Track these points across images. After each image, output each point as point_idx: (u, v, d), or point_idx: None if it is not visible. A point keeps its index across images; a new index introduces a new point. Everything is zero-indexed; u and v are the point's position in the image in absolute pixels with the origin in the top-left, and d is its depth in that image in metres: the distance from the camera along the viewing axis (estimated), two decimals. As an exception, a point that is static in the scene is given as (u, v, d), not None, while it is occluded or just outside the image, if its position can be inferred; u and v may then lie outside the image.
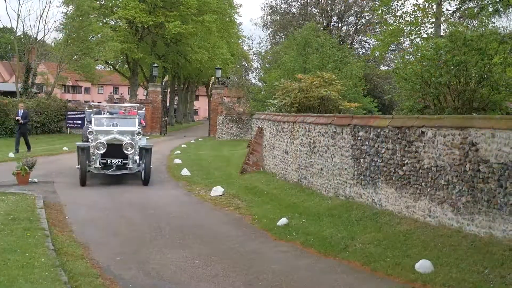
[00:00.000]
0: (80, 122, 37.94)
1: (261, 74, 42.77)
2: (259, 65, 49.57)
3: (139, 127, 16.44)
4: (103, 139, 15.26)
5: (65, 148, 25.23)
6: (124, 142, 15.24)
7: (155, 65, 43.11)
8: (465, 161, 7.83)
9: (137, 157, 15.60)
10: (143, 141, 16.10)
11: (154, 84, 41.94)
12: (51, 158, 21.62)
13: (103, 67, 54.63)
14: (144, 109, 18.20)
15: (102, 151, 15.04)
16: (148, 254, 8.15)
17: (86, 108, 18.77)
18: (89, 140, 15.50)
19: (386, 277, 6.87)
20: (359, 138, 10.67)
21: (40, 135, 34.32)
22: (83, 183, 14.95)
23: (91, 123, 16.43)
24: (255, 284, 6.80)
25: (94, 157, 15.19)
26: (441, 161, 8.36)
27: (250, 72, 51.29)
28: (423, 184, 8.75)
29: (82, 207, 11.87)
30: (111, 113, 17.25)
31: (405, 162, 9.19)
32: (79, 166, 15.22)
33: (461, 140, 7.94)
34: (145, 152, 15.45)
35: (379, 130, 10.00)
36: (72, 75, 59.85)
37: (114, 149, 15.18)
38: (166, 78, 46.63)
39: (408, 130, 9.17)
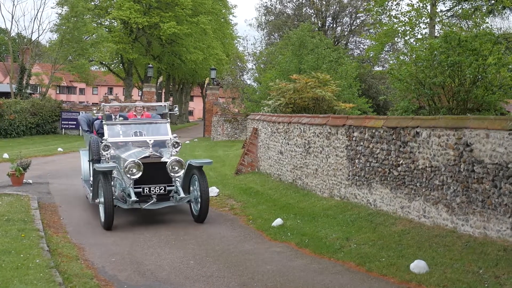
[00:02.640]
0: (74, 123, 37.93)
1: (256, 74, 42.74)
2: (254, 65, 49.61)
3: (174, 135, 11.41)
4: (135, 156, 10.29)
5: (59, 149, 25.17)
6: (169, 160, 10.29)
7: (150, 65, 43.07)
8: (460, 162, 7.85)
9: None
10: None
11: (149, 85, 41.88)
12: (45, 159, 21.56)
13: (97, 67, 54.55)
14: (176, 108, 12.80)
15: (137, 175, 9.99)
16: (143, 255, 8.14)
17: (94, 111, 12.12)
18: (105, 159, 10.96)
19: (381, 278, 6.88)
20: (354, 138, 10.68)
21: (34, 136, 34.25)
22: (108, 225, 9.84)
23: (101, 132, 11.89)
24: (250, 285, 6.80)
25: (121, 185, 10.40)
26: (435, 162, 8.37)
27: (245, 73, 51.28)
28: (417, 184, 8.77)
29: (77, 208, 11.84)
30: (124, 117, 12.53)
31: (400, 162, 9.21)
32: (98, 200, 10.28)
33: (455, 141, 7.96)
34: (197, 172, 10.41)
35: (373, 131, 10.01)
36: (66, 76, 59.82)
37: (153, 172, 10.24)
38: (161, 79, 46.63)
39: (403, 131, 9.19)
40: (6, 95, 40.08)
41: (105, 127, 11.44)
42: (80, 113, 36.68)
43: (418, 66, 13.67)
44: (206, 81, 46.71)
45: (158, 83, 44.07)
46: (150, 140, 10.76)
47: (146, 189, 10.10)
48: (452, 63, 12.55)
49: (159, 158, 10.34)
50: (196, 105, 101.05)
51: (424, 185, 8.61)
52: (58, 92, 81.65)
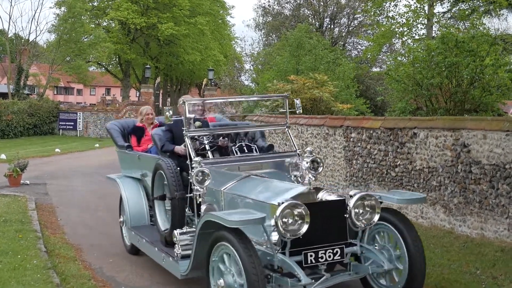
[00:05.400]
0: (72, 124, 37.88)
1: (254, 75, 42.79)
2: (251, 66, 49.66)
3: (309, 148, 6.35)
4: (281, 195, 5.45)
5: (57, 150, 25.14)
6: (350, 197, 5.56)
7: (148, 66, 43.04)
8: (457, 162, 7.86)
9: None
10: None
11: (147, 86, 41.84)
12: (43, 159, 21.52)
13: (95, 68, 54.49)
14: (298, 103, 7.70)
15: (301, 230, 5.10)
16: (141, 256, 8.13)
17: (168, 112, 6.59)
18: (195, 196, 6.22)
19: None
20: (351, 139, 10.70)
21: (32, 137, 34.22)
22: None
23: (168, 150, 7.18)
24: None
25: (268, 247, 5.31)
26: (433, 162, 8.39)
27: (242, 74, 51.33)
28: (415, 185, 8.78)
29: (74, 209, 11.83)
30: (204, 123, 7.47)
31: (398, 163, 9.22)
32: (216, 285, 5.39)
33: (453, 142, 7.98)
34: (392, 218, 5.76)
35: (371, 132, 10.03)
36: (64, 77, 59.71)
37: (320, 221, 5.36)
38: (158, 80, 46.59)
39: (401, 132, 9.20)
40: (3, 95, 40.02)
41: (187, 141, 6.53)
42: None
43: (416, 67, 13.69)
44: (204, 82, 46.77)
45: (156, 84, 44.01)
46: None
47: (311, 256, 5.25)
48: (449, 64, 12.58)
49: (330, 194, 5.71)
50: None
51: (422, 186, 8.62)
52: (55, 93, 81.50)
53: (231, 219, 4.95)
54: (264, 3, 52.83)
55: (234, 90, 45.82)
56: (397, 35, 22.93)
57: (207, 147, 6.80)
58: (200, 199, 6.10)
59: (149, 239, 7.27)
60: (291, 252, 5.18)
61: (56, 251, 8.01)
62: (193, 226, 6.17)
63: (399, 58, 16.49)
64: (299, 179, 6.33)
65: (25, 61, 39.03)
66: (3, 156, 20.38)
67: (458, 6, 22.52)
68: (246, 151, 7.01)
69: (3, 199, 11.75)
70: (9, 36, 42.16)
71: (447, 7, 23.83)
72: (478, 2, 20.23)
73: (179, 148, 6.96)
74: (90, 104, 57.07)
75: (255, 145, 7.19)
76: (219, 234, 5.18)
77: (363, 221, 5.47)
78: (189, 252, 5.92)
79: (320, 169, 6.23)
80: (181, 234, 6.11)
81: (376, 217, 5.52)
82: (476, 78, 12.84)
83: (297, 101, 7.33)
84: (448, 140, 8.09)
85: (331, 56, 30.27)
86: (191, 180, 6.08)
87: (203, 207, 6.07)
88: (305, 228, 5.07)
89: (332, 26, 51.46)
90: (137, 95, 59.10)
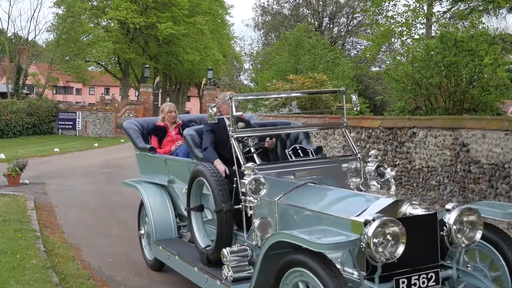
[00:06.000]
0: (71, 123, 37.86)
1: (253, 75, 42.80)
2: (250, 66, 49.65)
3: (375, 151, 5.99)
4: (365, 207, 4.44)
5: (56, 149, 25.12)
6: (448, 212, 4.53)
7: (147, 66, 43.05)
8: (456, 162, 7.86)
9: None
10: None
11: (146, 85, 41.86)
12: (42, 159, 21.50)
13: (94, 68, 54.49)
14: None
15: (398, 251, 4.08)
16: (140, 255, 8.12)
17: (212, 110, 5.51)
18: (245, 208, 5.20)
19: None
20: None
21: (31, 136, 34.21)
22: None
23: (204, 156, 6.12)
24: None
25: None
26: (432, 162, 8.39)
27: (241, 73, 51.30)
28: (414, 184, 8.79)
29: (73, 209, 11.81)
30: (247, 124, 6.59)
31: (397, 163, 9.22)
32: None
33: (452, 141, 7.98)
34: (495, 237, 4.72)
35: (370, 131, 10.03)
36: (63, 76, 59.74)
37: (414, 239, 4.24)
38: (157, 79, 46.60)
39: (400, 131, 9.21)
40: (2, 95, 39.99)
41: (234, 144, 5.52)
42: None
43: (415, 67, 13.70)
44: (203, 82, 46.76)
45: (155, 83, 44.04)
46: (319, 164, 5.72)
47: (403, 283, 4.33)
48: (448, 64, 12.59)
49: (415, 206, 4.53)
50: (193, 105, 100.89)
51: (421, 185, 8.63)
52: (54, 92, 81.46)
53: (320, 242, 3.97)
54: (263, 3, 52.82)
55: (234, 89, 45.81)
56: (396, 35, 22.94)
57: (252, 149, 5.77)
58: (251, 212, 5.13)
59: (184, 256, 6.24)
60: (382, 276, 4.22)
61: (55, 251, 8.01)
62: (245, 244, 5.30)
63: (398, 58, 16.51)
64: (361, 187, 5.63)
65: (24, 61, 39.04)
66: (2, 156, 20.36)
67: (457, 6, 22.54)
68: (302, 154, 6.01)
69: (2, 199, 11.73)
70: (8, 35, 42.15)
71: (446, 6, 23.83)
72: (477, 2, 20.24)
73: (219, 165, 5.77)
74: (89, 103, 57.09)
75: (311, 148, 6.26)
76: (294, 258, 4.23)
77: (463, 239, 4.47)
78: (242, 274, 5.14)
79: (387, 175, 5.58)
80: (231, 253, 5.11)
81: (479, 235, 4.51)
82: (475, 77, 12.86)
83: (354, 97, 6.37)
84: (447, 140, 8.09)
85: (330, 56, 30.30)
86: (243, 190, 5.07)
87: (256, 222, 5.08)
88: (401, 249, 4.11)
89: (331, 26, 51.47)
90: (136, 94, 59.11)
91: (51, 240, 8.70)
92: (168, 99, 64.56)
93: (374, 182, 5.40)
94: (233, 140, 5.51)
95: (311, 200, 4.95)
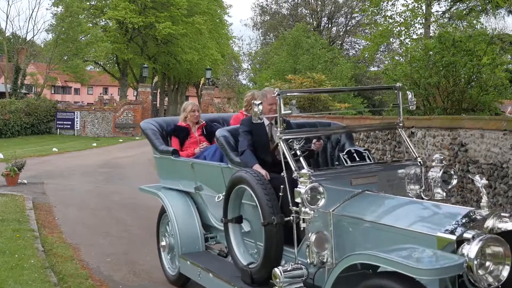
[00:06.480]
0: (69, 123, 37.84)
1: (252, 75, 42.81)
2: (249, 66, 49.67)
3: (440, 155, 5.37)
4: (453, 220, 3.82)
5: (54, 149, 25.11)
6: None
7: (145, 65, 43.03)
8: (455, 162, 7.87)
9: None
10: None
11: (144, 85, 41.83)
12: (40, 159, 21.48)
13: (93, 67, 54.46)
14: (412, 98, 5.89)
15: (504, 274, 3.54)
16: (138, 255, 8.12)
17: (257, 109, 4.82)
18: (303, 221, 4.44)
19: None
20: (349, 138, 10.69)
21: (29, 136, 34.20)
22: None
23: (241, 161, 5.46)
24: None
25: None
26: (430, 162, 8.39)
27: (240, 73, 51.32)
28: (412, 184, 8.79)
29: (71, 208, 11.81)
30: (288, 124, 5.76)
31: (395, 162, 9.22)
32: None
33: (450, 141, 7.99)
34: None
35: (369, 131, 10.03)
36: (61, 76, 59.64)
37: None
38: (156, 79, 46.59)
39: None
40: (1, 95, 40.03)
41: (284, 147, 4.86)
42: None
43: (413, 67, 13.71)
44: (202, 81, 46.74)
45: (154, 83, 44.04)
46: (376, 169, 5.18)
47: None
48: (446, 64, 12.60)
49: (500, 220, 3.87)
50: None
51: (419, 185, 8.63)
52: (53, 92, 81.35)
53: (423, 268, 3.34)
54: (261, 2, 52.84)
55: (232, 89, 45.81)
56: (395, 35, 22.94)
57: (299, 152, 4.88)
58: (304, 225, 4.43)
59: (219, 273, 5.55)
60: None
61: (53, 251, 8.01)
62: (299, 262, 4.56)
63: (396, 58, 16.52)
64: (423, 195, 5.01)
65: (22, 60, 39.00)
66: (1, 156, 20.34)
67: (456, 6, 22.56)
68: (358, 159, 5.20)
69: (0, 199, 11.73)
70: (6, 35, 42.13)
71: (445, 6, 23.86)
72: (476, 2, 20.26)
73: (260, 170, 5.10)
74: (87, 103, 57.09)
75: (367, 151, 5.44)
76: (378, 284, 3.69)
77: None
78: None
79: (454, 182, 4.99)
80: (284, 272, 4.43)
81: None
82: (474, 77, 12.87)
83: (410, 94, 5.74)
84: (445, 139, 8.10)
85: (329, 56, 30.31)
86: (297, 200, 4.34)
87: (312, 236, 4.37)
88: (506, 272, 3.50)
89: (329, 26, 51.47)
90: (135, 94, 59.08)
91: (50, 240, 8.69)
92: (166, 98, 64.60)
93: (439, 190, 4.81)
94: (281, 142, 4.84)
95: (374, 211, 4.32)
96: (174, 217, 6.48)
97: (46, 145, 27.71)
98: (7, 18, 52.00)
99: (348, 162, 5.09)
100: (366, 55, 27.26)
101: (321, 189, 4.34)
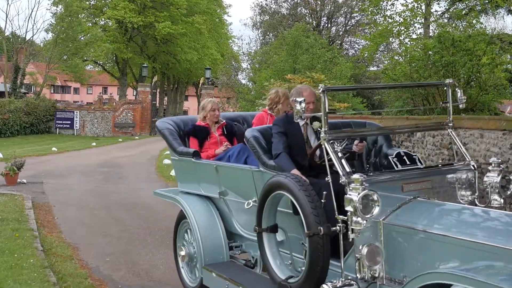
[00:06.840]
0: (68, 122, 37.84)
1: (251, 74, 42.78)
2: (248, 65, 49.64)
3: (495, 159, 4.84)
4: None
5: (54, 149, 25.10)
6: None
7: (145, 65, 43.04)
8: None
9: None
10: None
11: (144, 85, 41.83)
12: (40, 158, 21.49)
13: (92, 67, 54.47)
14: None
15: None
16: (138, 255, 8.12)
17: (299, 105, 4.47)
18: (354, 231, 3.91)
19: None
20: (348, 138, 10.69)
21: (29, 136, 34.20)
22: None
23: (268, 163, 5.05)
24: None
25: None
26: (430, 162, 8.39)
27: (239, 73, 51.30)
28: (412, 184, 8.78)
29: (71, 208, 11.81)
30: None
31: (394, 162, 9.22)
32: None
33: (450, 140, 7.99)
34: None
35: (368, 131, 10.03)
36: (61, 76, 59.65)
37: None
38: (155, 78, 46.58)
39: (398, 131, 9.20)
40: (0, 94, 40.02)
41: (329, 149, 4.45)
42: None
43: (413, 67, 13.71)
44: (201, 81, 46.76)
45: (153, 83, 44.04)
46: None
47: None
48: (446, 63, 12.59)
49: None
50: (191, 105, 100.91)
51: (419, 185, 8.63)
52: (52, 91, 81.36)
53: None
54: (261, 2, 52.79)
55: (231, 89, 45.80)
56: (394, 35, 22.97)
57: (340, 154, 4.41)
58: (353, 235, 3.94)
59: (251, 287, 5.10)
60: None
61: (52, 250, 8.01)
62: (349, 278, 4.06)
63: (396, 57, 16.52)
64: (477, 202, 4.64)
65: (22, 60, 38.99)
66: (0, 155, 20.35)
67: (455, 6, 22.57)
68: (408, 162, 4.75)
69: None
70: (6, 34, 42.12)
71: (445, 6, 23.87)
72: (475, 1, 20.27)
73: (300, 174, 4.64)
74: (87, 103, 57.07)
75: (417, 155, 5.10)
76: None
77: None
78: None
79: None
80: None
81: None
82: (473, 77, 12.87)
83: (460, 92, 5.25)
84: (445, 139, 8.09)
85: (328, 55, 30.26)
86: (349, 208, 3.87)
87: (363, 249, 3.90)
88: None
89: (329, 25, 51.47)
90: (134, 94, 59.08)
91: (49, 240, 8.69)
92: (166, 98, 64.60)
93: (496, 197, 4.40)
94: (326, 144, 4.38)
95: (432, 220, 3.89)
96: (196, 225, 5.94)
97: (46, 145, 27.72)
98: (6, 17, 52.21)
99: (399, 165, 4.68)
100: (366, 55, 27.29)
101: (375, 196, 3.89)
